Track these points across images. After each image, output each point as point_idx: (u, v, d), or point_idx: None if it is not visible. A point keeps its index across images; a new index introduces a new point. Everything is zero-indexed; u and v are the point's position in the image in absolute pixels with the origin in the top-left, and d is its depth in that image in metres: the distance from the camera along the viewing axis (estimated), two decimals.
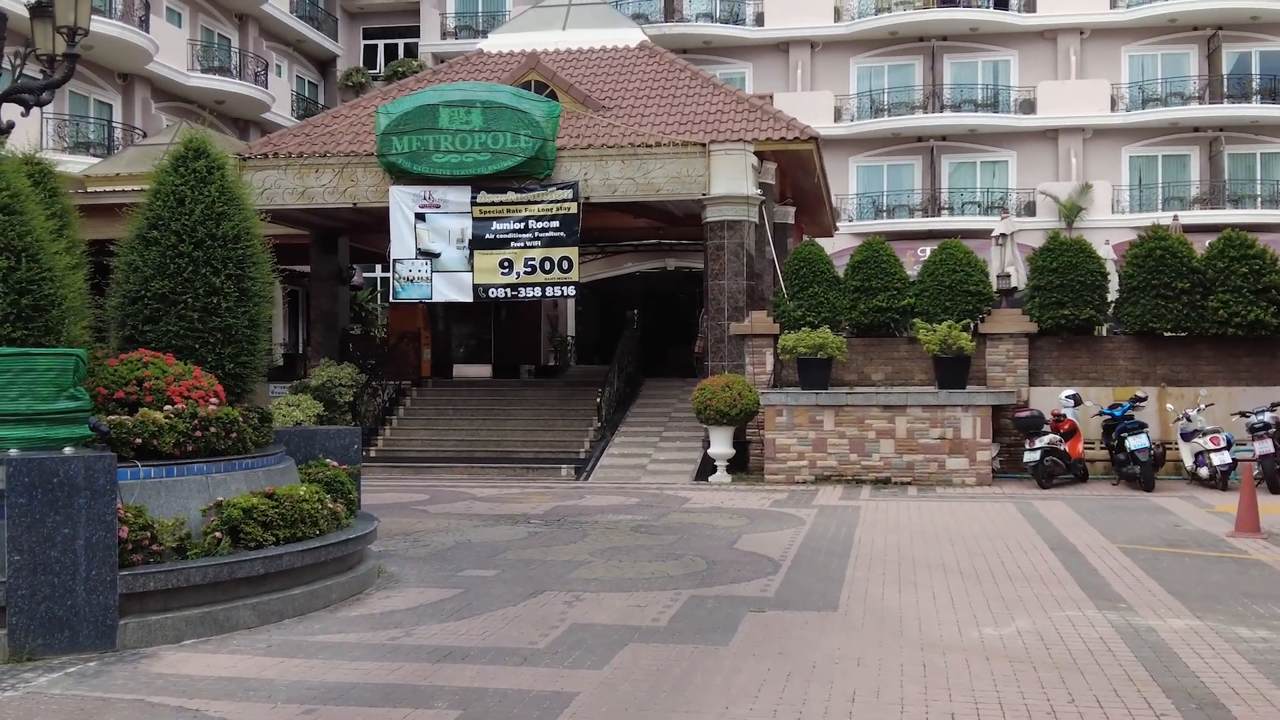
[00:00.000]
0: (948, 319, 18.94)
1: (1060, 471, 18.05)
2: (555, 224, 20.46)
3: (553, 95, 23.06)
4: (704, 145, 20.30)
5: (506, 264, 20.58)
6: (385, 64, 44.83)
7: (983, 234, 30.58)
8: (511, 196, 20.59)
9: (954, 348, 18.43)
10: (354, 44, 45.74)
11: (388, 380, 24.25)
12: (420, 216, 20.81)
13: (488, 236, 20.61)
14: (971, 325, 19.39)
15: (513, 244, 20.56)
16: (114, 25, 30.00)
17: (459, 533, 13.57)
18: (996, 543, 12.62)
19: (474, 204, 20.64)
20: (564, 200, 20.44)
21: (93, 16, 29.48)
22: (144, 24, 31.56)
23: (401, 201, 20.86)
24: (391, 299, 21.40)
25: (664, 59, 25.98)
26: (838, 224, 35.87)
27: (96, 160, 28.45)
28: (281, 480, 10.16)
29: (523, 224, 20.53)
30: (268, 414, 10.88)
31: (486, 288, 20.68)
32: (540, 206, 20.50)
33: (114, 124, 32.48)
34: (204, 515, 9.11)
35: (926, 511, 15.25)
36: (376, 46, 45.69)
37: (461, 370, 37.64)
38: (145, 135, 31.37)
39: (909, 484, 18.25)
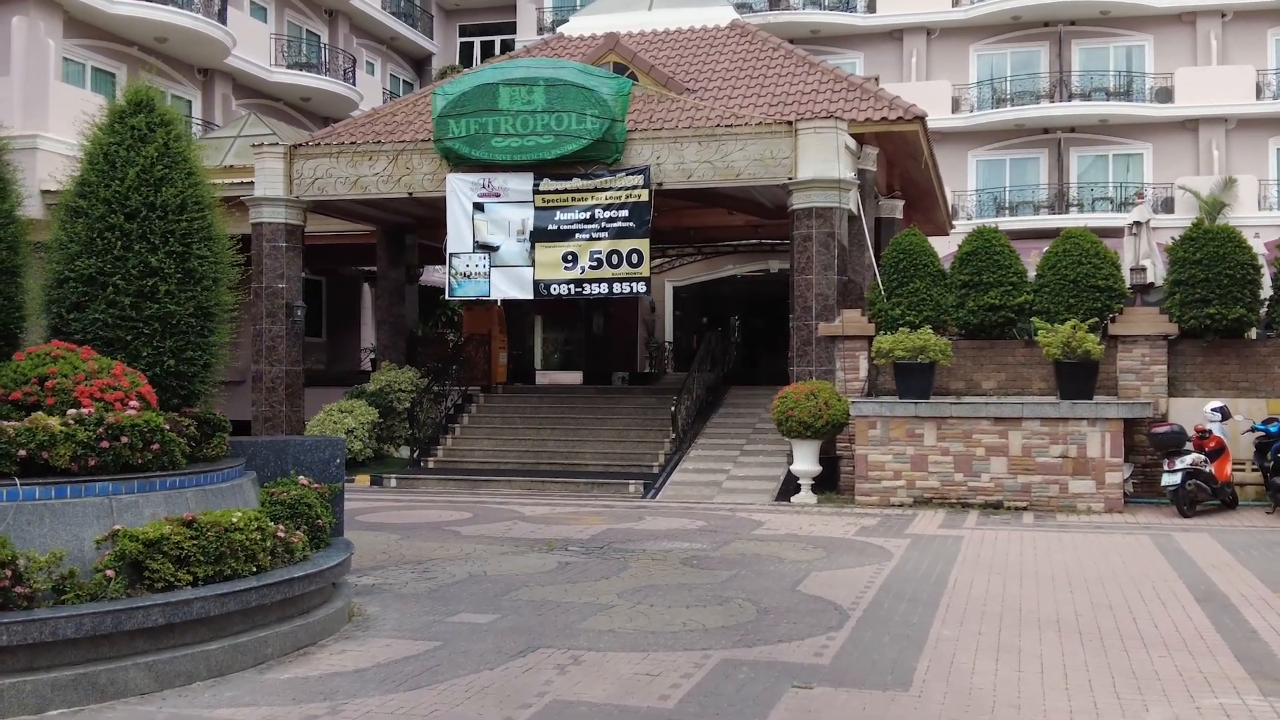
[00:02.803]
0: (1072, 318, 16.39)
1: (1205, 497, 15.38)
2: (624, 213, 18.40)
3: (632, 78, 21.08)
4: (790, 124, 18.03)
5: (570, 258, 18.57)
6: (481, 61, 43.36)
7: (1115, 233, 27.66)
8: (577, 184, 18.59)
9: (1079, 351, 15.88)
10: (449, 41, 44.41)
11: (453, 386, 22.43)
12: (479, 206, 18.93)
13: (550, 228, 18.63)
14: (1100, 326, 16.82)
15: (578, 236, 18.54)
16: (187, 16, 28.82)
17: (480, 562, 11.57)
18: (1128, 589, 10.16)
19: (536, 192, 18.68)
20: (634, 187, 18.36)
21: (167, 7, 28.59)
22: (221, 16, 30.38)
23: (459, 190, 19.02)
24: (446, 296, 19.54)
25: (756, 38, 23.80)
26: (954, 222, 33.17)
27: None
28: (224, 502, 8.27)
29: (589, 214, 18.50)
30: (218, 421, 9.00)
31: (548, 284, 18.70)
32: (608, 194, 18.45)
33: (192, 120, 31.40)
34: (99, 548, 7.25)
35: (1043, 545, 12.79)
36: (473, 44, 44.30)
37: (552, 376, 35.90)
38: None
39: (1024, 509, 15.74)
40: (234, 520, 7.72)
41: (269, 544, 7.96)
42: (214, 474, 8.37)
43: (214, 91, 32.19)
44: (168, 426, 8.06)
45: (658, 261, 33.39)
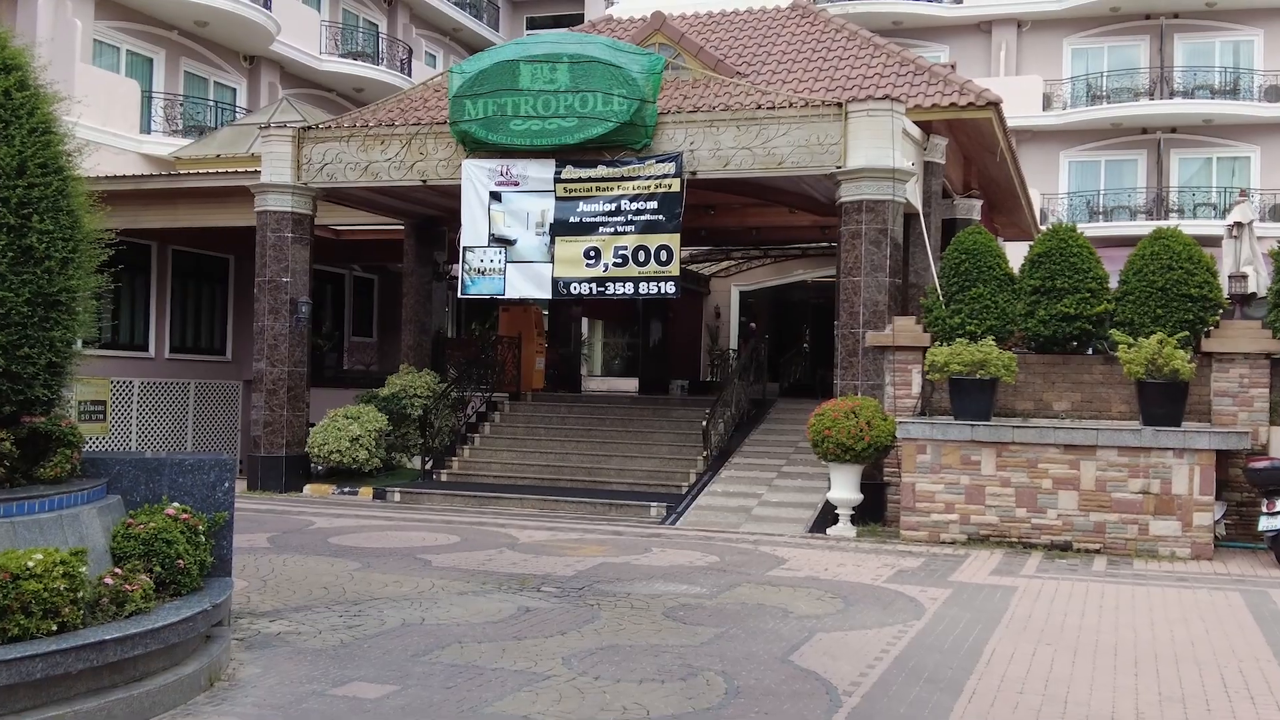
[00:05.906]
0: (1159, 332, 14.16)
1: None
2: (653, 205, 16.52)
3: (679, 60, 19.23)
4: (840, 105, 16.00)
5: (593, 254, 16.75)
6: None
7: (1219, 242, 25.14)
8: (602, 171, 16.76)
9: (1166, 370, 13.65)
10: (516, 33, 42.95)
11: (476, 392, 20.74)
12: (496, 196, 17.19)
13: (572, 220, 16.83)
14: (1191, 341, 14.55)
15: (601, 229, 16.71)
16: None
17: (427, 604, 9.78)
18: (1208, 674, 8.03)
19: (557, 180, 16.90)
20: (665, 176, 16.47)
21: None
22: (265, 1, 29.12)
23: (475, 178, 17.31)
24: (460, 294, 17.80)
25: (818, 19, 21.82)
26: (1041, 226, 30.74)
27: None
28: (45, 538, 6.59)
29: (614, 205, 16.66)
30: (63, 434, 7.32)
31: (568, 282, 16.90)
32: (636, 184, 16.60)
33: (237, 108, 30.21)
34: None
35: (1110, 601, 10.66)
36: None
37: (609, 383, 34.18)
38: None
39: (1096, 553, 13.54)
40: (30, 564, 6.02)
41: (83, 594, 6.25)
42: (30, 502, 6.68)
43: (260, 79, 31.00)
44: None
45: (723, 265, 31.48)
